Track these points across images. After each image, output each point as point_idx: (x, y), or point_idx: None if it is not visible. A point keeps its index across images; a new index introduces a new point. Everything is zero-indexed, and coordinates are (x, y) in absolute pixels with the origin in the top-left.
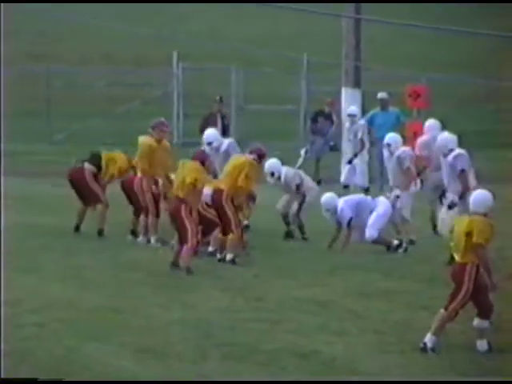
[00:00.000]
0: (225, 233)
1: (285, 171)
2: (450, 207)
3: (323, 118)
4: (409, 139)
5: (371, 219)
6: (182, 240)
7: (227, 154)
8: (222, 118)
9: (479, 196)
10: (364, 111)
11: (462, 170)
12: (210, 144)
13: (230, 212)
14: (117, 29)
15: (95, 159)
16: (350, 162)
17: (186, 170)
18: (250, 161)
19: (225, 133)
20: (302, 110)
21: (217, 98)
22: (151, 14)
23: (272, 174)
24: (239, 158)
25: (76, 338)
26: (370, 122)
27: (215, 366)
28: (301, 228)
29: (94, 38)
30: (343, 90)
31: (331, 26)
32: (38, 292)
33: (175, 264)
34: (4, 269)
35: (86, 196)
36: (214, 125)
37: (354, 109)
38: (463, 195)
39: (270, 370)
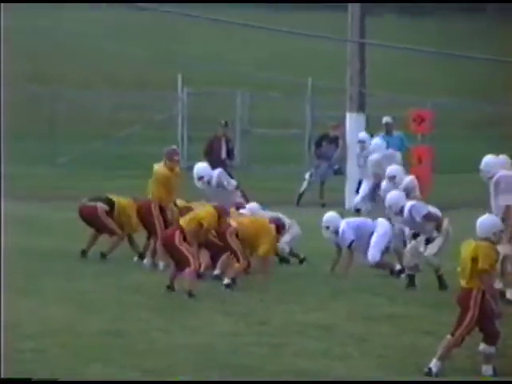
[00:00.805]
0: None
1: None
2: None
3: (327, 142)
4: (413, 164)
5: (372, 241)
6: (182, 266)
7: (220, 184)
8: (227, 141)
9: (485, 221)
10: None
11: (425, 216)
12: (201, 178)
13: (234, 245)
14: (120, 52)
15: (107, 200)
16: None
17: (203, 212)
18: (271, 232)
19: (229, 156)
20: (306, 134)
21: (222, 122)
22: (155, 36)
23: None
24: (264, 222)
25: (77, 362)
26: (375, 147)
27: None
28: (294, 255)
29: (98, 60)
30: (348, 115)
31: (336, 50)
32: (38, 315)
33: (171, 287)
34: (4, 291)
35: (101, 230)
36: (219, 148)
37: (364, 135)
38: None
39: None
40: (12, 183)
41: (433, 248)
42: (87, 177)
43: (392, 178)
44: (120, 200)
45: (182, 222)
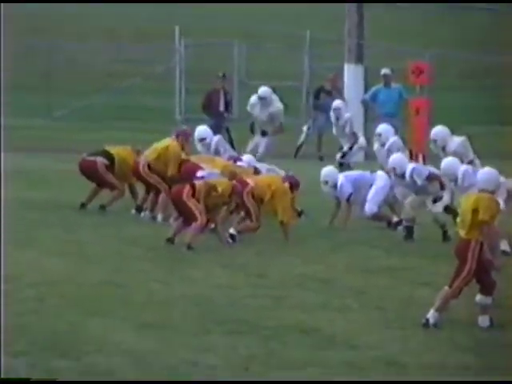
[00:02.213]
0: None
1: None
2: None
3: (325, 93)
4: (412, 115)
5: (370, 193)
6: (189, 220)
7: (217, 152)
8: (225, 93)
9: (486, 174)
10: (367, 87)
11: (427, 177)
12: (202, 140)
13: (249, 205)
14: (118, 5)
15: (107, 154)
16: (343, 156)
17: (222, 181)
18: (286, 190)
19: (227, 108)
20: (304, 86)
21: (220, 74)
22: None
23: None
24: (279, 183)
25: (76, 313)
26: (373, 98)
27: (215, 340)
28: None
29: (95, 13)
30: (346, 66)
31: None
32: (38, 267)
33: (171, 240)
34: (1, 243)
35: (101, 184)
36: (217, 101)
37: (339, 103)
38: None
39: (271, 345)
40: (9, 135)
41: (441, 205)
42: (85, 129)
43: (379, 136)
44: (119, 152)
45: (197, 182)
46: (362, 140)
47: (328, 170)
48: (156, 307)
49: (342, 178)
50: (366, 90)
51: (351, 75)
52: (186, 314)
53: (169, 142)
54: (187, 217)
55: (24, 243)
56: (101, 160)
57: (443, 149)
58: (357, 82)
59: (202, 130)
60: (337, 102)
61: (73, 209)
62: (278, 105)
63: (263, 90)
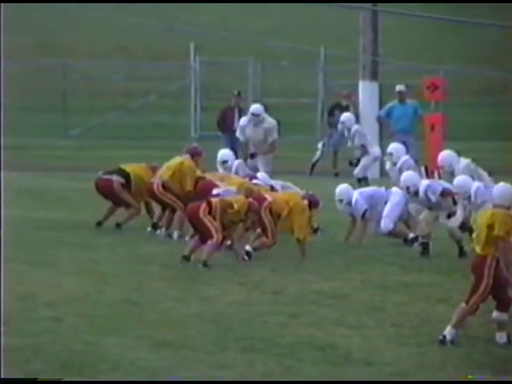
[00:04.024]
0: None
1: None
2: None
3: (340, 110)
4: (427, 131)
5: (386, 210)
6: (205, 238)
7: (236, 174)
8: (240, 111)
9: (501, 189)
10: (381, 104)
11: (441, 193)
12: (224, 163)
13: (266, 220)
14: (131, 22)
15: (122, 173)
16: (351, 163)
17: (238, 199)
18: (304, 207)
19: None
20: (319, 104)
21: (235, 93)
22: (166, 6)
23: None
24: (297, 199)
25: (93, 332)
26: (388, 115)
27: (232, 357)
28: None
29: (109, 30)
30: (360, 83)
31: (348, 17)
32: (53, 286)
33: (187, 258)
34: (17, 262)
35: (117, 203)
36: (232, 118)
37: (345, 116)
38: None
39: (287, 363)
40: (24, 155)
41: (456, 220)
42: (100, 148)
43: (390, 155)
44: (135, 169)
45: (213, 199)
46: (376, 151)
47: (342, 188)
48: (172, 325)
49: (356, 194)
50: (381, 106)
51: (366, 92)
52: (202, 332)
53: (181, 159)
54: (203, 234)
55: (40, 262)
56: (116, 178)
57: (452, 173)
58: (372, 98)
59: (225, 152)
60: (343, 116)
61: (89, 228)
62: (271, 121)
63: (256, 107)
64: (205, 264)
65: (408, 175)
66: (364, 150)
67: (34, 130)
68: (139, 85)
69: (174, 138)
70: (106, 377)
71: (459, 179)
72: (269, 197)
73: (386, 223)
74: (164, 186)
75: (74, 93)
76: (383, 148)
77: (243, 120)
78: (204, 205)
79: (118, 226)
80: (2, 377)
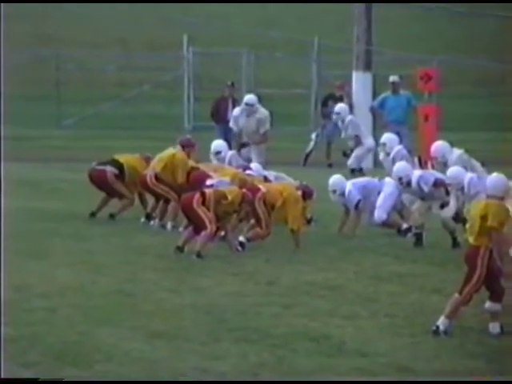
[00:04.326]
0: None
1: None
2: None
3: (333, 101)
4: (420, 122)
5: (379, 200)
6: (199, 229)
7: (229, 165)
8: (233, 102)
9: (495, 180)
10: (375, 94)
11: (434, 184)
12: (218, 154)
13: (260, 211)
14: (126, 12)
15: (116, 163)
16: (344, 154)
17: (232, 190)
18: (298, 198)
19: None
20: (312, 94)
21: (228, 83)
22: None
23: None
24: (291, 190)
25: (87, 323)
26: (381, 106)
27: (226, 348)
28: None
29: (104, 21)
30: (354, 74)
31: (342, 8)
32: (48, 277)
33: (181, 249)
34: (12, 253)
35: (111, 194)
36: (225, 109)
37: (339, 107)
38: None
39: (281, 353)
40: (18, 145)
41: (449, 211)
42: (94, 138)
43: (383, 145)
44: (128, 160)
45: (207, 190)
46: (370, 142)
47: (335, 179)
48: (166, 316)
49: (349, 185)
50: (375, 97)
51: (359, 83)
52: (196, 323)
53: (173, 150)
54: (197, 225)
55: (34, 253)
56: (110, 169)
57: (445, 164)
58: (365, 89)
59: (218, 143)
60: (338, 106)
61: (83, 218)
62: (264, 111)
63: (249, 97)
64: (198, 255)
65: (400, 166)
66: (358, 140)
67: (28, 120)
68: (133, 75)
69: (167, 128)
70: (100, 367)
71: (452, 170)
72: (263, 187)
73: (379, 213)
74: (157, 178)
75: (68, 83)
76: (377, 138)
77: (236, 110)
78: (198, 195)
79: (112, 216)
80: (2, 376)
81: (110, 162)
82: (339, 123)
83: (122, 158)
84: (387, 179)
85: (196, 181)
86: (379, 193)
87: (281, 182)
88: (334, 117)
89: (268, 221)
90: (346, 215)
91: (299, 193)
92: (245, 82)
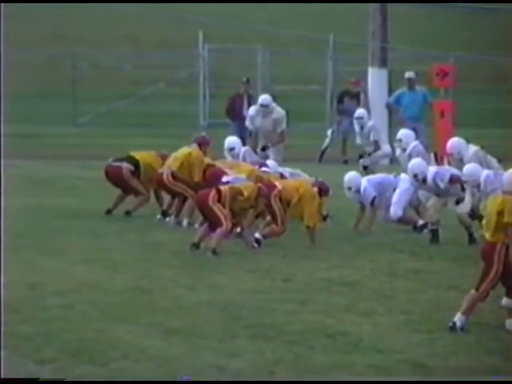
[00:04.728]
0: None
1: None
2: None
3: (349, 97)
4: (436, 118)
5: (395, 197)
6: (214, 226)
7: (243, 160)
8: (249, 98)
9: (511, 176)
10: (390, 91)
11: (450, 180)
12: (231, 150)
13: (276, 208)
14: (141, 10)
15: (132, 160)
16: (361, 157)
17: (247, 185)
18: (314, 194)
19: None
20: (328, 91)
21: (244, 80)
22: None
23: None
24: (307, 187)
25: (103, 320)
26: (397, 102)
27: (242, 345)
28: None
29: (119, 19)
30: (370, 70)
31: (357, 4)
32: (64, 274)
33: (197, 245)
34: (27, 251)
35: (127, 190)
36: (241, 106)
37: (362, 112)
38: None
39: (297, 350)
40: (34, 143)
41: (464, 207)
42: (109, 136)
43: (399, 141)
44: (144, 157)
45: (222, 187)
46: (387, 148)
47: (351, 176)
48: (182, 313)
49: (365, 181)
50: (390, 93)
51: (375, 79)
52: (212, 319)
53: (189, 149)
54: (213, 222)
55: (51, 251)
56: (126, 166)
57: (461, 161)
58: (381, 85)
59: (232, 140)
60: (359, 111)
61: (98, 216)
62: (280, 111)
63: (264, 97)
64: (214, 252)
65: (415, 162)
66: (377, 146)
67: (44, 118)
68: (148, 73)
69: (183, 125)
70: (116, 364)
71: (468, 167)
72: (279, 184)
73: (395, 210)
74: (174, 176)
75: (83, 81)
76: (393, 135)
77: (252, 110)
78: (213, 192)
79: (128, 213)
80: (2, 376)
81: (126, 158)
82: (357, 127)
83: (138, 154)
84: (403, 175)
85: (212, 178)
86: (395, 189)
87: (297, 179)
88: (356, 121)
89: (284, 218)
90: (362, 212)
91: (315, 189)
92: (260, 79)
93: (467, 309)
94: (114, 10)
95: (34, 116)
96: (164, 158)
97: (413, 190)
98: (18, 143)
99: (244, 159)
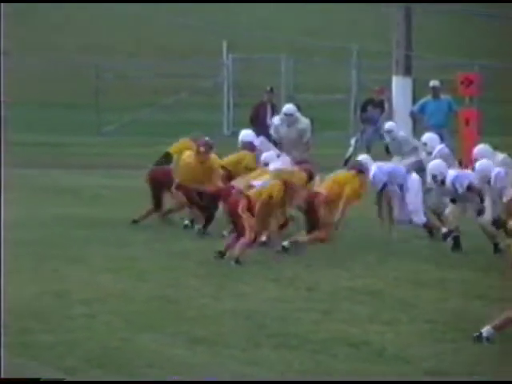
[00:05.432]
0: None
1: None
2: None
3: (373, 106)
4: (461, 126)
5: (410, 204)
6: (240, 234)
7: (260, 152)
8: (273, 107)
9: None
10: (415, 99)
11: (468, 187)
12: (245, 143)
13: (322, 214)
14: (166, 20)
15: (169, 158)
16: (387, 150)
17: (273, 186)
18: (354, 175)
19: None
20: (352, 99)
21: (267, 88)
22: (198, 4)
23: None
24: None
25: (128, 329)
26: (422, 110)
27: (266, 354)
28: None
29: (143, 29)
30: (394, 79)
31: (381, 13)
32: (89, 283)
33: (222, 254)
34: (53, 260)
35: (161, 198)
36: (264, 115)
37: (391, 124)
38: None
39: (321, 359)
40: (60, 152)
41: (486, 216)
42: (133, 145)
43: (424, 145)
44: (177, 149)
45: (252, 193)
46: (423, 155)
47: (361, 157)
48: (207, 322)
49: (374, 167)
50: (415, 102)
51: (399, 87)
52: (236, 329)
53: (188, 153)
54: (239, 230)
55: (76, 260)
56: (169, 167)
57: None
58: (405, 94)
59: (247, 133)
60: (389, 124)
61: (124, 224)
62: (305, 121)
63: (288, 107)
64: (237, 261)
65: (435, 164)
66: (416, 152)
67: (68, 127)
68: (172, 82)
69: (207, 135)
70: (141, 373)
71: (481, 163)
72: (322, 190)
73: (417, 218)
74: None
75: (107, 91)
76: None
77: (276, 119)
78: (243, 200)
79: (165, 216)
80: (2, 376)
81: (165, 160)
82: (388, 138)
83: (172, 148)
84: (413, 175)
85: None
86: (402, 186)
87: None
88: (387, 135)
89: (329, 225)
90: (379, 199)
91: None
92: (284, 88)
93: (499, 326)
94: (138, 20)
95: (59, 125)
96: (195, 141)
97: (421, 190)
98: (44, 153)
99: (260, 150)
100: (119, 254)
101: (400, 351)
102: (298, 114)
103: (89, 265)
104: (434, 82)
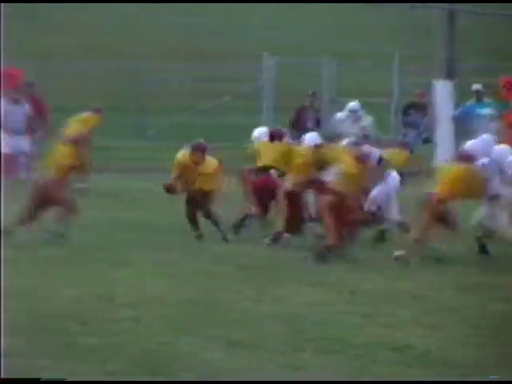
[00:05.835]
0: None
1: None
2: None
3: (414, 110)
4: (505, 130)
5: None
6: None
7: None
8: (314, 111)
9: None
10: (457, 103)
11: None
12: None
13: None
14: (205, 24)
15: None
16: (427, 141)
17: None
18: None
19: (317, 126)
20: (393, 103)
21: (310, 92)
22: (234, 8)
23: None
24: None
25: (168, 333)
26: (465, 114)
27: (306, 358)
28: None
29: (183, 32)
30: (435, 82)
31: (423, 16)
32: (132, 286)
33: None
34: (96, 263)
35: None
36: (305, 117)
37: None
38: None
39: (362, 363)
40: (102, 156)
41: None
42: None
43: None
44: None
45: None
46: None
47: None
48: (246, 325)
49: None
50: (457, 106)
51: (441, 91)
52: (277, 332)
53: (183, 154)
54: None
55: (118, 263)
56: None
57: None
58: (447, 98)
59: (263, 131)
60: (470, 144)
61: (165, 228)
62: (368, 118)
63: (353, 104)
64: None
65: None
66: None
67: (113, 130)
68: (212, 86)
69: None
70: (178, 377)
71: (499, 148)
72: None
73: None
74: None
75: (150, 95)
76: (458, 147)
77: (341, 114)
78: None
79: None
80: (2, 376)
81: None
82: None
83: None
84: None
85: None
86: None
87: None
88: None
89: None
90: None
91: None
92: (326, 91)
93: None
94: (178, 25)
95: (104, 129)
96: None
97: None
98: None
99: None
100: (159, 257)
101: (443, 355)
102: (361, 112)
103: (132, 268)
104: (476, 86)
